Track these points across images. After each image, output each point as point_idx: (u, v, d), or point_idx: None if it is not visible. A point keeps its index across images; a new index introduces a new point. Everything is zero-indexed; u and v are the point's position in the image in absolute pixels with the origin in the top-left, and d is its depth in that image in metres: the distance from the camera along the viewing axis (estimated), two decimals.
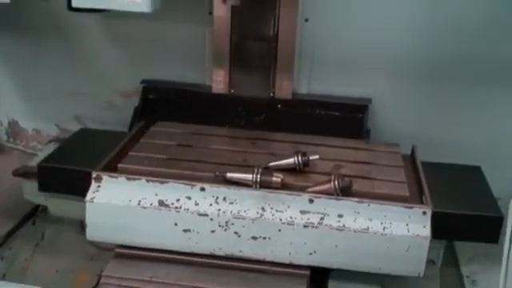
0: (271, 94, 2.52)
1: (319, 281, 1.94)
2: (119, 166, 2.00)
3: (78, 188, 1.97)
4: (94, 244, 2.23)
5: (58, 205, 2.30)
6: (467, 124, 2.50)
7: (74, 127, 2.59)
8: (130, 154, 2.09)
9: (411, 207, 1.82)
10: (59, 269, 2.09)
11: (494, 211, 1.92)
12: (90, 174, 1.93)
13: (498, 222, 1.88)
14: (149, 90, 2.58)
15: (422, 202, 1.88)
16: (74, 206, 2.12)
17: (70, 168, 2.07)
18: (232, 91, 2.54)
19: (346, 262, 1.85)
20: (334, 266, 1.87)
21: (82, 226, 2.26)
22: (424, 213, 1.81)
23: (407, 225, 1.81)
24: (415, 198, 1.92)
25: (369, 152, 2.17)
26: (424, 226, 1.80)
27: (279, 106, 2.52)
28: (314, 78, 2.56)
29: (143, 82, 2.61)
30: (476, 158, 2.24)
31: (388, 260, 1.83)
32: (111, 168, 1.99)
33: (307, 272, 1.87)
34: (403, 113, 2.53)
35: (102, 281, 1.86)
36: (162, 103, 2.56)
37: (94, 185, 1.92)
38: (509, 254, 1.44)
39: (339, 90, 2.53)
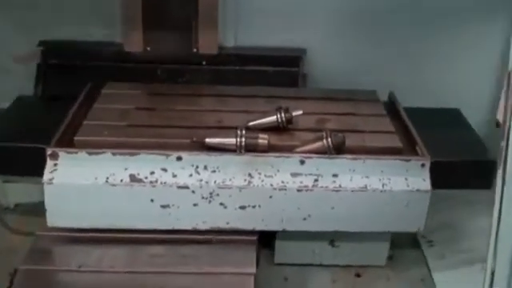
0: (195, 50, 2.24)
1: (266, 242, 1.81)
2: (76, 138, 1.73)
3: (30, 168, 1.71)
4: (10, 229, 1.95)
5: None
6: (410, 67, 2.33)
7: None
8: (84, 123, 1.81)
9: (408, 160, 1.70)
10: None
11: (487, 156, 1.84)
12: (43, 151, 1.65)
13: (492, 166, 1.80)
14: (48, 52, 2.22)
15: (416, 153, 1.76)
16: None
17: (16, 146, 1.77)
18: (148, 49, 2.22)
19: (343, 224, 1.72)
20: (330, 229, 1.73)
21: None
22: (422, 165, 1.69)
23: (406, 179, 1.69)
24: (407, 148, 1.79)
25: (348, 102, 2.01)
26: (424, 179, 1.69)
27: (204, 62, 2.25)
28: (240, 29, 2.29)
29: (41, 43, 2.22)
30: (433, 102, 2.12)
31: (386, 218, 1.71)
32: (66, 142, 1.72)
33: (255, 238, 1.72)
34: (340, 60, 2.32)
35: (16, 277, 1.56)
36: (64, 66, 2.22)
37: (49, 163, 1.65)
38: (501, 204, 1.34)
39: (270, 41, 2.28)
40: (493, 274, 1.29)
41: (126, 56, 2.23)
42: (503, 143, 1.29)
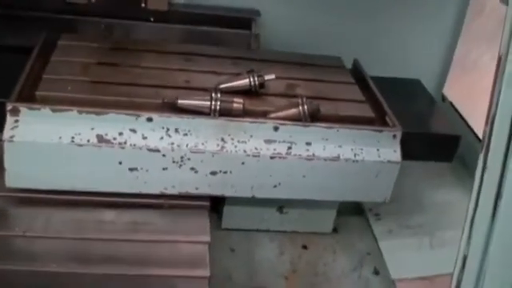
0: (143, 5, 2.11)
1: (214, 207, 1.77)
2: (37, 93, 1.62)
3: None
4: None
5: None
6: (367, 35, 2.32)
7: None
8: (44, 77, 1.69)
9: (381, 130, 1.70)
10: None
11: (452, 130, 1.88)
12: (2, 106, 1.53)
13: (456, 141, 1.84)
14: None
15: (385, 124, 1.77)
16: None
17: None
18: (92, 1, 2.08)
19: (312, 193, 1.71)
20: (299, 197, 1.72)
21: None
22: (394, 136, 1.70)
23: (378, 150, 1.70)
24: (377, 118, 1.79)
25: (314, 68, 1.98)
26: (394, 151, 1.70)
27: (152, 19, 2.13)
28: None
29: None
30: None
31: (356, 188, 1.72)
32: (27, 97, 1.60)
33: (207, 203, 1.68)
34: (294, 24, 2.27)
35: None
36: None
37: (10, 119, 1.54)
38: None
39: (223, 0, 2.20)
40: (465, 258, 1.30)
41: (66, 7, 2.07)
42: (487, 127, 1.28)
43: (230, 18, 2.17)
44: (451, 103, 2.19)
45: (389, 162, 1.69)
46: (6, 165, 1.54)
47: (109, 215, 1.59)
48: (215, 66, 1.87)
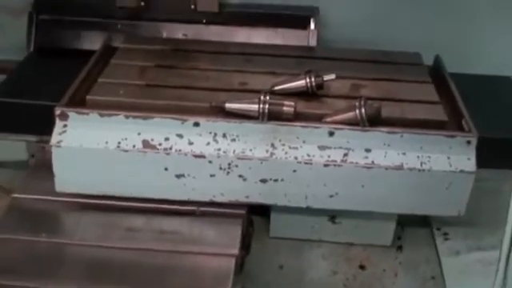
0: (192, 7, 2.00)
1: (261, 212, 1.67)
2: (88, 97, 1.60)
3: (38, 127, 1.65)
4: None
5: None
6: (448, 29, 2.03)
7: None
8: (99, 80, 1.68)
9: (453, 136, 1.51)
10: None
11: None
12: (51, 110, 1.53)
13: None
14: (40, 5, 2.03)
15: (461, 128, 1.56)
16: None
17: (24, 102, 1.67)
18: (142, 4, 2.01)
19: (373, 204, 1.56)
20: (359, 209, 1.57)
21: None
22: (468, 142, 1.50)
23: (448, 158, 1.50)
24: (452, 122, 1.60)
25: (388, 66, 1.82)
26: (468, 159, 1.50)
27: (204, 21, 2.02)
28: None
29: None
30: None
31: (423, 200, 1.54)
32: (78, 101, 1.60)
33: (243, 211, 1.57)
34: (358, 21, 2.04)
35: None
36: (57, 22, 2.03)
37: (59, 124, 1.53)
38: None
39: None
40: None
41: (119, 12, 2.02)
42: None
43: (287, 16, 2.01)
44: None
45: (461, 171, 1.49)
46: (55, 170, 1.54)
47: (137, 222, 1.54)
48: (275, 67, 1.77)
